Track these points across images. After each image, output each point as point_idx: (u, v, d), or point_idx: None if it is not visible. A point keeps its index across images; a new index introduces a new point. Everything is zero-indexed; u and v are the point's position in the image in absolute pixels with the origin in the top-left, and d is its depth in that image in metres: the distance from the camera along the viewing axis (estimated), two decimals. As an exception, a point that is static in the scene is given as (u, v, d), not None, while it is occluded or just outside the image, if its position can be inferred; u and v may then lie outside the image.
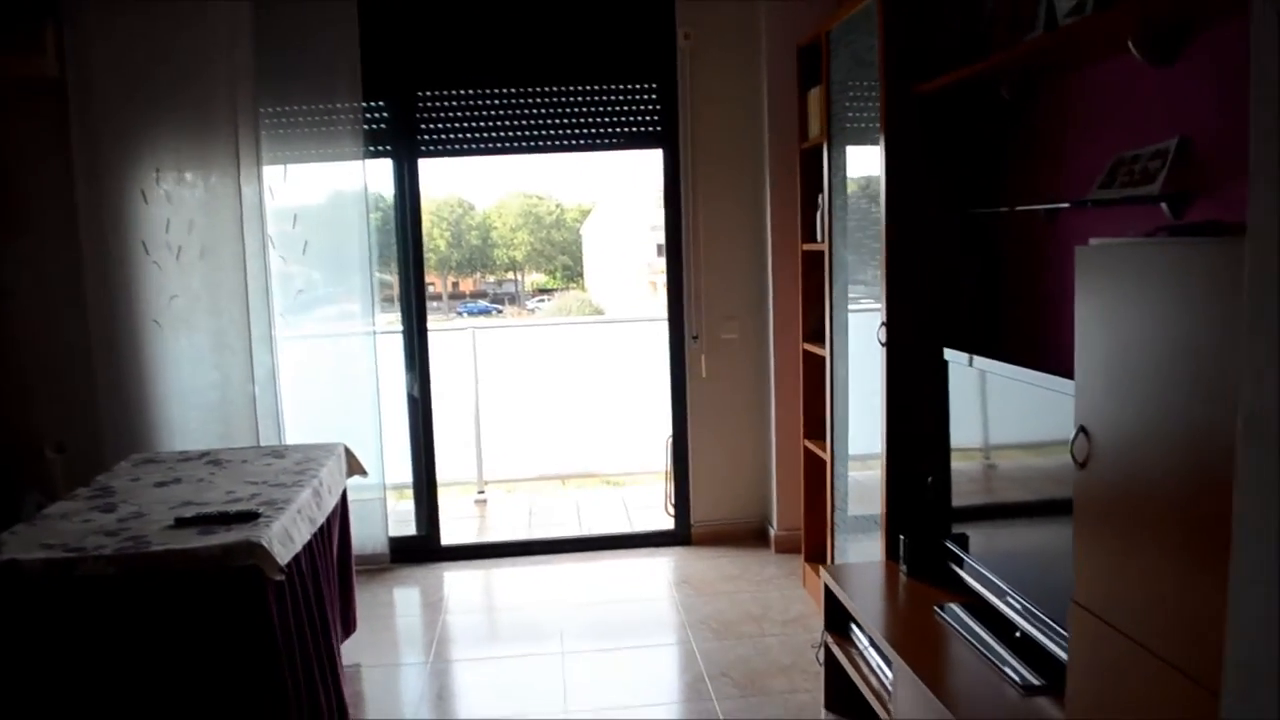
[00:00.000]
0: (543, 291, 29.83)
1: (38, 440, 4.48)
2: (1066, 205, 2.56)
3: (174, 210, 4.35)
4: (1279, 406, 1.12)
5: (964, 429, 2.89)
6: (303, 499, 2.96)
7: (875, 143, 3.12)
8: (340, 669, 3.20)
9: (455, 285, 29.85)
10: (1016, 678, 2.34)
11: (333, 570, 3.36)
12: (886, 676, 2.72)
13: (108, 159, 4.26)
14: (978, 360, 2.70)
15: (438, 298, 28.32)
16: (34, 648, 2.43)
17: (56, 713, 2.44)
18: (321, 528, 3.18)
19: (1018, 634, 2.48)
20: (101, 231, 4.30)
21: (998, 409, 2.68)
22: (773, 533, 4.69)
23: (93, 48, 4.19)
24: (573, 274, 30.31)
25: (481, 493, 6.07)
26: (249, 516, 2.70)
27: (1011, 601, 2.51)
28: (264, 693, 2.48)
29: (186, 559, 2.43)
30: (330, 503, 3.32)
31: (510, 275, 30.44)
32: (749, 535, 4.85)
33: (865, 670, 2.89)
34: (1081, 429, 1.77)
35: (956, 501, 2.96)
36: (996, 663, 2.44)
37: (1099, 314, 1.72)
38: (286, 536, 2.68)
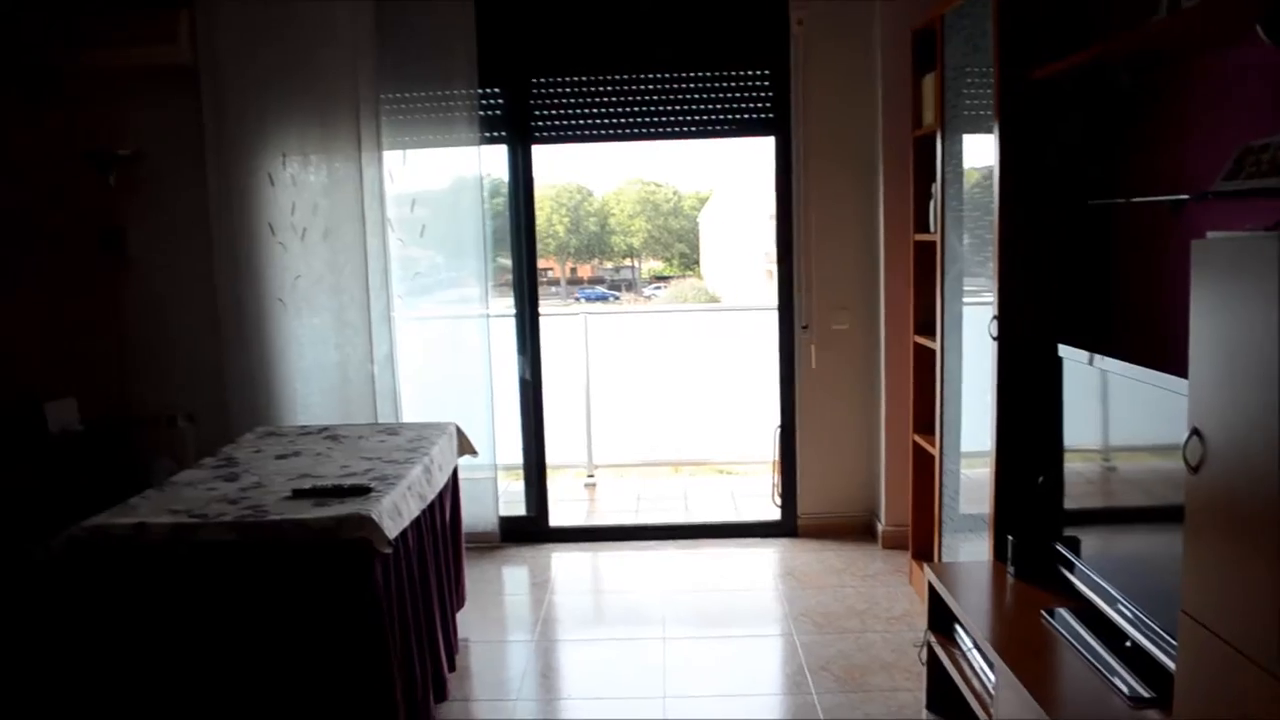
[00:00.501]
0: (659, 278, 29.94)
1: (171, 409, 4.73)
2: (1186, 198, 2.44)
3: (298, 193, 4.52)
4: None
5: (1077, 428, 2.79)
6: (413, 475, 3.05)
7: (989, 130, 3.03)
8: (443, 643, 3.29)
9: (573, 271, 30.21)
10: (1125, 689, 2.26)
11: (442, 546, 3.45)
12: (989, 680, 2.66)
13: (236, 143, 4.46)
14: (1096, 358, 2.61)
15: (556, 283, 28.71)
16: (156, 606, 2.58)
17: (172, 666, 2.59)
18: (431, 504, 3.27)
19: (1128, 643, 2.39)
20: (230, 212, 4.51)
21: (1112, 407, 2.58)
22: (880, 528, 4.62)
23: (223, 36, 4.39)
24: (689, 261, 30.33)
25: (591, 476, 6.14)
26: (361, 491, 2.79)
27: (1123, 609, 2.42)
28: (366, 660, 2.57)
29: (300, 529, 2.54)
30: (440, 480, 3.41)
31: (627, 262, 30.64)
32: (856, 529, 4.79)
33: (968, 672, 2.83)
34: (1195, 431, 1.69)
35: (1068, 503, 2.87)
36: (1104, 672, 2.36)
37: (1214, 311, 1.64)
38: (395, 511, 2.77)
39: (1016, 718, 2.36)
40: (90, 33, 4.33)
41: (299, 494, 2.80)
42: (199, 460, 3.38)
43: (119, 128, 4.53)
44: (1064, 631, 2.59)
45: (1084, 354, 2.68)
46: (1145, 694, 2.23)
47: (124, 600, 2.58)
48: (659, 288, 29.29)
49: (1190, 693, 1.76)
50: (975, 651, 2.82)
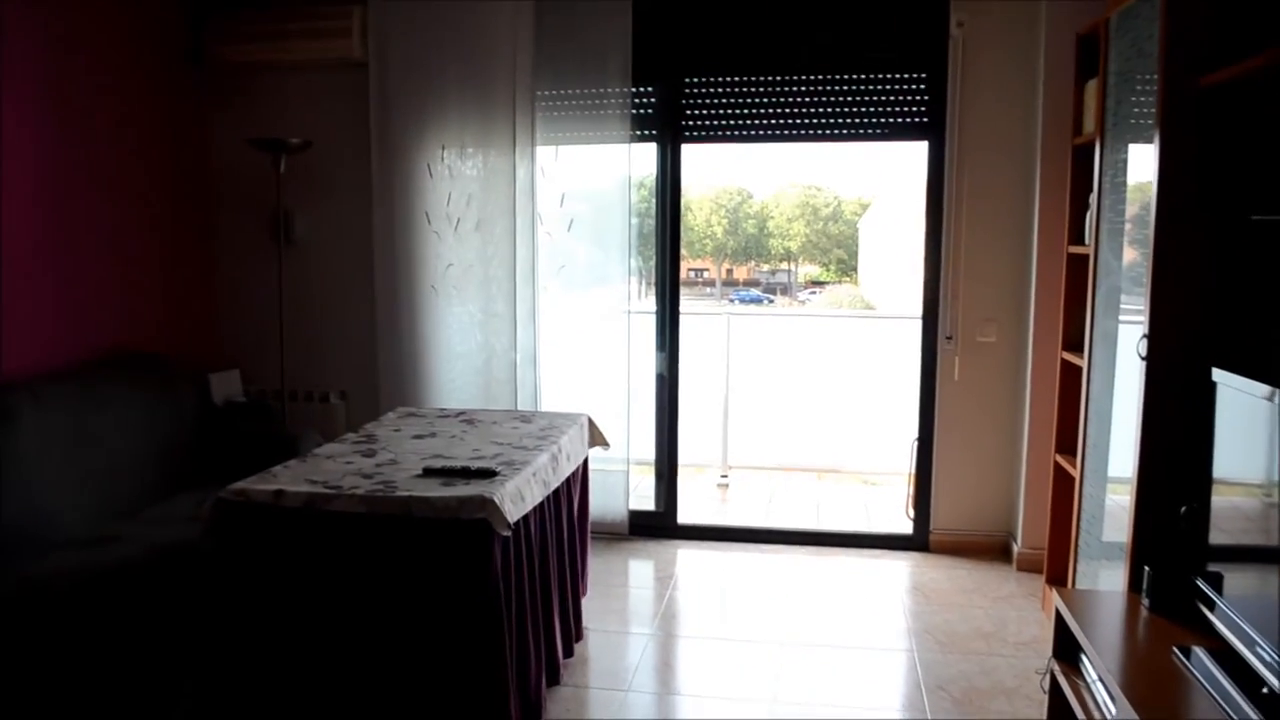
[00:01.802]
0: (815, 284, 29.55)
1: (325, 386, 4.99)
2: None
3: (454, 184, 4.70)
4: None
5: (1228, 457, 2.63)
6: (540, 462, 3.13)
7: (1151, 140, 2.88)
8: (560, 629, 3.36)
9: (729, 272, 30.14)
10: (1256, 734, 2.13)
11: (567, 533, 3.52)
12: (1111, 714, 2.54)
13: (399, 135, 4.67)
14: (1253, 384, 2.45)
15: (711, 284, 28.71)
16: (290, 569, 2.74)
17: (300, 627, 2.74)
18: (557, 491, 3.35)
19: (1265, 690, 2.24)
20: (390, 201, 4.72)
21: (1268, 437, 2.42)
22: (1016, 549, 4.46)
23: (393, 32, 4.60)
24: (847, 268, 29.82)
25: (725, 476, 6.15)
26: (487, 474, 2.89)
27: (1262, 653, 2.27)
28: (480, 636, 2.65)
29: (425, 506, 2.64)
30: (567, 469, 3.47)
31: (784, 265, 30.35)
32: (991, 549, 4.63)
33: (1090, 704, 2.70)
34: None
35: (1214, 538, 2.70)
36: (1235, 716, 2.22)
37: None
38: (519, 496, 2.84)
39: (1136, 756, 2.25)
40: (271, 29, 4.62)
41: (429, 473, 2.92)
42: (341, 436, 3.56)
43: (292, 118, 4.80)
44: (1195, 671, 2.45)
45: (1239, 379, 2.52)
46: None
47: (262, 561, 2.75)
48: (814, 292, 28.90)
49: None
50: (1099, 684, 2.69)
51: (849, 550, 4.77)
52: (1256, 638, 2.32)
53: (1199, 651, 2.54)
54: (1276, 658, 2.20)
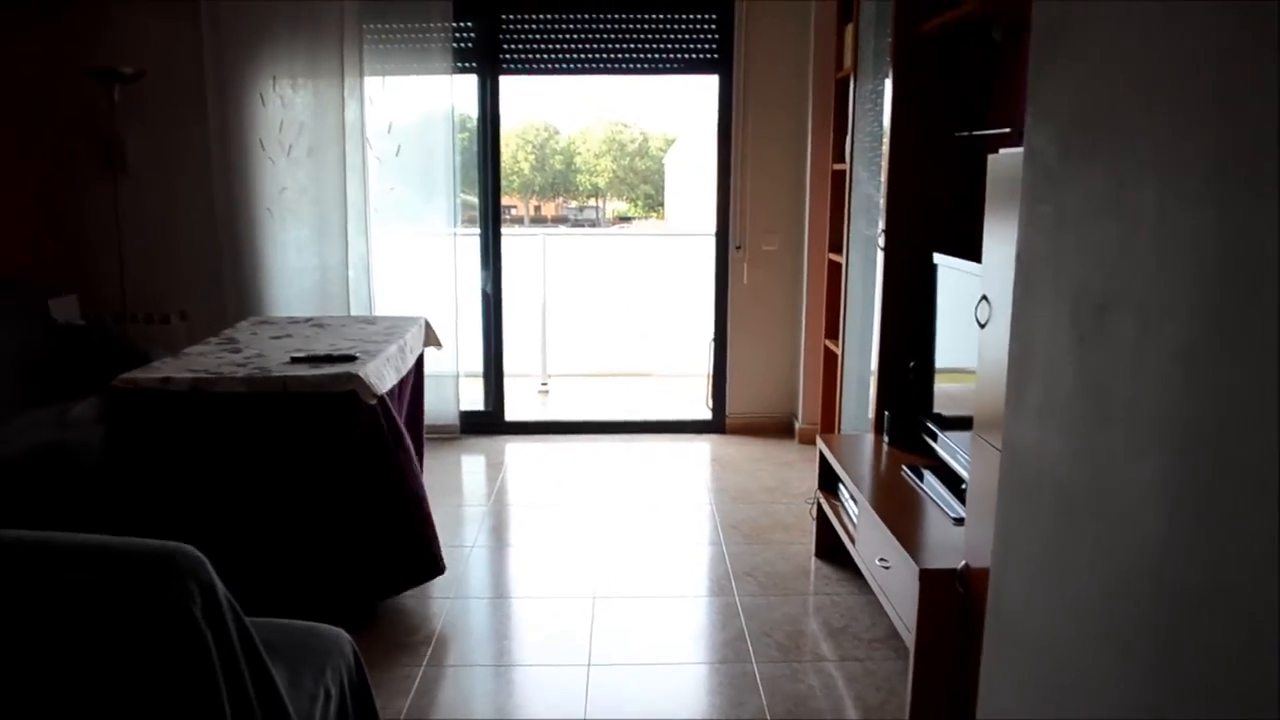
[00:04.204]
0: (623, 219, 30.30)
1: (164, 308, 5.24)
2: (1008, 130, 3.04)
3: (286, 112, 5.01)
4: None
5: (947, 321, 3.41)
6: (390, 351, 3.61)
7: (888, 75, 3.60)
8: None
9: (538, 209, 30.49)
10: (951, 514, 2.90)
11: (409, 421, 4.01)
12: (856, 520, 3.29)
13: (232, 64, 4.93)
14: (955, 260, 3.21)
15: (520, 220, 29.01)
16: (177, 450, 3.13)
17: (187, 503, 3.14)
18: (403, 380, 3.84)
19: (963, 485, 3.02)
20: (225, 128, 4.99)
21: (973, 300, 3.18)
22: (798, 425, 5.26)
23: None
24: (654, 203, 30.69)
25: (545, 384, 6.73)
26: (349, 359, 3.35)
27: (961, 459, 3.04)
28: (359, 489, 3.15)
29: (301, 383, 3.10)
30: (411, 360, 3.96)
31: (592, 201, 30.95)
32: (777, 427, 5.42)
33: (845, 518, 3.46)
34: (984, 297, 2.30)
35: (938, 384, 3.49)
36: (942, 506, 2.99)
37: (997, 209, 2.24)
38: (379, 374, 3.33)
39: (868, 539, 2.99)
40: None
41: (296, 360, 3.35)
42: (203, 340, 3.91)
43: (123, 45, 4.95)
44: (918, 480, 3.22)
45: (952, 259, 3.28)
46: (963, 513, 2.86)
47: (152, 444, 3.13)
48: (623, 229, 29.65)
49: (976, 495, 2.38)
50: (851, 501, 3.45)
51: (657, 435, 5.47)
52: (958, 449, 3.09)
53: (922, 468, 3.32)
54: (968, 459, 2.97)
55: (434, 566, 3.36)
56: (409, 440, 3.51)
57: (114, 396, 3.10)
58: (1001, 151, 2.29)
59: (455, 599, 3.46)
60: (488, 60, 5.16)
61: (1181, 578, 1.06)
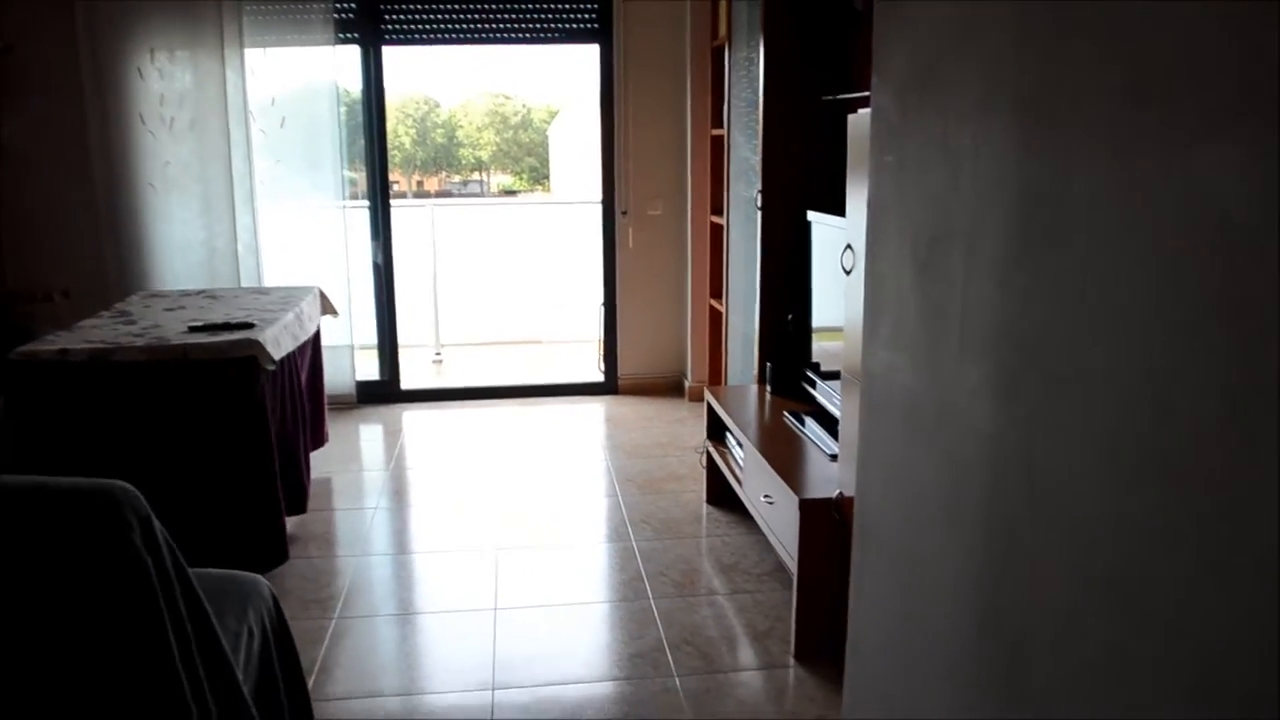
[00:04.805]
0: (508, 192, 30.13)
1: (45, 288, 5.14)
2: (867, 94, 3.26)
3: (166, 86, 4.96)
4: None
5: (820, 273, 3.64)
6: (288, 319, 3.67)
7: (760, 42, 3.80)
8: (308, 465, 3.96)
9: (420, 184, 30.04)
10: (828, 450, 3.14)
11: (307, 388, 4.08)
12: (742, 463, 3.52)
13: (106, 38, 4.85)
14: (823, 216, 3.44)
15: (403, 195, 28.59)
16: (77, 421, 3.15)
17: (87, 472, 3.17)
18: (301, 347, 3.90)
19: (838, 427, 3.26)
20: (103, 103, 4.92)
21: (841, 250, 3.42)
22: (687, 384, 5.48)
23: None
24: (539, 175, 30.57)
25: (438, 354, 6.81)
26: (247, 325, 3.41)
27: (837, 402, 3.28)
28: (252, 455, 3.23)
29: (200, 350, 3.15)
30: (310, 328, 4.03)
31: (476, 175, 30.67)
32: (667, 387, 5.64)
33: (732, 463, 3.69)
34: (848, 246, 2.52)
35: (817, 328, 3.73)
36: (819, 445, 3.23)
37: (856, 164, 2.46)
38: (276, 342, 3.40)
39: (753, 478, 3.22)
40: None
41: (194, 329, 3.39)
42: (94, 315, 3.90)
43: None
44: (799, 425, 3.46)
45: (824, 216, 3.51)
46: (838, 450, 3.10)
47: (51, 416, 3.15)
48: (507, 203, 29.47)
49: (847, 430, 2.61)
50: (737, 447, 3.67)
51: (552, 399, 5.62)
52: (835, 394, 3.33)
53: (803, 414, 3.55)
54: (840, 400, 3.21)
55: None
56: (307, 408, 3.61)
57: (11, 369, 3.11)
58: (860, 111, 2.51)
59: (361, 556, 3.57)
60: (370, 31, 5.19)
61: (1007, 460, 1.27)
